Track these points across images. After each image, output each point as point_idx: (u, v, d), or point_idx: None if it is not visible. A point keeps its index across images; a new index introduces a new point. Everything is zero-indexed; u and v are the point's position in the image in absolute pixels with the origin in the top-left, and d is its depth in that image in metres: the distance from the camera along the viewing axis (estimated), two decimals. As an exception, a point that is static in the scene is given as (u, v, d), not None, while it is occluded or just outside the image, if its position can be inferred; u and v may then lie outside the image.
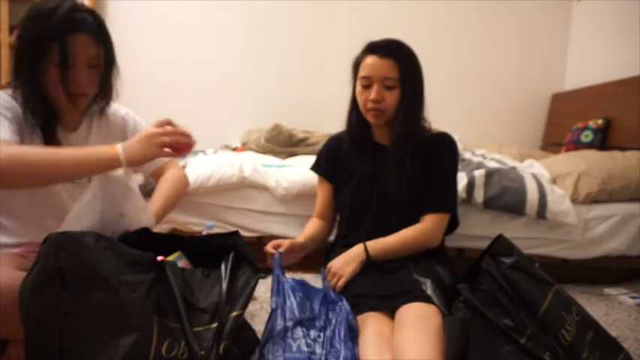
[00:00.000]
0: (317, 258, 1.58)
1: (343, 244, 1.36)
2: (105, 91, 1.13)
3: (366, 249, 1.25)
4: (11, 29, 2.63)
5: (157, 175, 1.31)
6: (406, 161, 1.28)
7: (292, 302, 1.06)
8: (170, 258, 1.00)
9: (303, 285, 1.16)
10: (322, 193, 1.50)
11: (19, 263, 0.96)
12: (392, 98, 1.26)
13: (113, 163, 0.92)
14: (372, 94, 1.26)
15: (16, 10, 2.62)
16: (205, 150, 2.40)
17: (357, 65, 1.32)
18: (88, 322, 0.77)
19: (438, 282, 1.17)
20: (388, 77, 1.25)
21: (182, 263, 1.03)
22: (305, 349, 0.98)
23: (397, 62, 1.25)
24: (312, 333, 1.03)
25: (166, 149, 0.95)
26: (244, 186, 1.84)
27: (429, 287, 1.14)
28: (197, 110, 3.13)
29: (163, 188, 1.25)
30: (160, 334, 0.80)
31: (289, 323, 1.01)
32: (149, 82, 3.03)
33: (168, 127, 0.97)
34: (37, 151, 0.91)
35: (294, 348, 0.98)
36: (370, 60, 1.27)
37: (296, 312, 1.04)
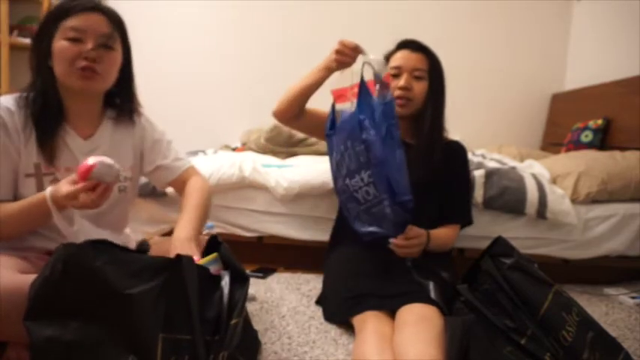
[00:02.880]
0: (317, 257, 1.59)
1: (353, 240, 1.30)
2: (127, 93, 1.15)
3: (428, 239, 1.24)
4: (11, 29, 2.62)
5: (178, 184, 1.25)
6: (435, 154, 1.31)
7: None
8: (205, 260, 0.93)
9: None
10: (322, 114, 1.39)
11: (20, 266, 0.96)
12: (420, 88, 1.31)
13: (42, 207, 0.92)
14: (401, 81, 1.30)
15: (16, 10, 2.59)
16: (205, 150, 2.40)
17: (386, 60, 1.36)
18: (93, 344, 0.75)
19: (439, 283, 1.17)
20: (418, 68, 1.31)
21: (214, 269, 0.93)
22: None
23: (427, 56, 1.32)
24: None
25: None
26: (244, 186, 1.84)
27: (431, 288, 1.14)
28: (197, 110, 3.13)
29: (190, 208, 1.14)
30: (165, 352, 0.77)
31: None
32: (149, 83, 3.00)
33: (72, 190, 0.90)
34: None
35: None
36: (401, 54, 1.34)
37: None
